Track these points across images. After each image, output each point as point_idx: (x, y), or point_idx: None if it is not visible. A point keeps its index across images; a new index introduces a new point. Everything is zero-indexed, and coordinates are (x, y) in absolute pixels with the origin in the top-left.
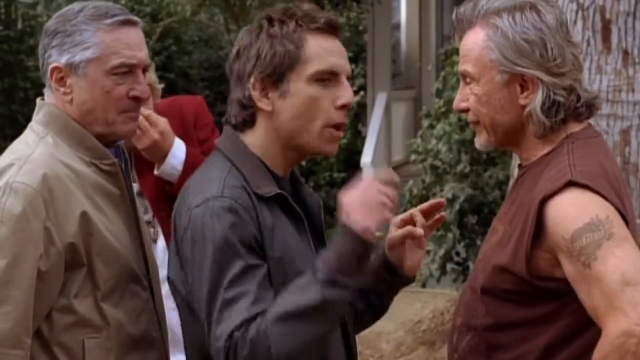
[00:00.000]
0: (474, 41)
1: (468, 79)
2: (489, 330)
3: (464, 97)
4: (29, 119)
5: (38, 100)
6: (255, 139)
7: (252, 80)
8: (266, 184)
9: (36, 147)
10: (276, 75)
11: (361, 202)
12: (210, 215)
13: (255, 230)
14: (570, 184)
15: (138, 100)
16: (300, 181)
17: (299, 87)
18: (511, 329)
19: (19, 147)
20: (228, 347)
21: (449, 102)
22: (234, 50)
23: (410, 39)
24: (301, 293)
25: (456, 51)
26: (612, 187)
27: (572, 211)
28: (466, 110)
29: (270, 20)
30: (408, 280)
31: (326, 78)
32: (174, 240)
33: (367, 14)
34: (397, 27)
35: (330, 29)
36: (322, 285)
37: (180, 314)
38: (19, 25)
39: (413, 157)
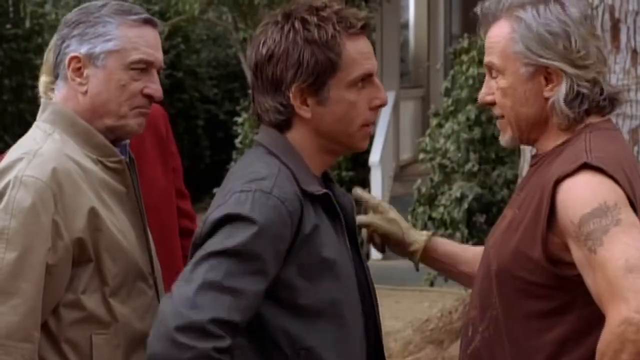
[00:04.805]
0: (499, 33)
1: (494, 73)
2: (502, 322)
3: (490, 90)
4: (36, 117)
5: (42, 100)
6: (292, 141)
7: (293, 89)
8: (312, 182)
9: (44, 143)
10: (317, 84)
11: None
12: (252, 204)
13: (289, 236)
14: (585, 166)
15: (151, 99)
16: (333, 180)
17: (339, 94)
18: (524, 321)
19: (26, 142)
20: None
21: (458, 101)
22: (264, 51)
23: (419, 38)
24: None
25: (465, 50)
26: (626, 175)
27: (581, 195)
28: (492, 104)
29: (305, 22)
30: None
31: (361, 80)
32: (200, 224)
33: (375, 13)
34: (405, 26)
35: (363, 29)
36: None
37: None
38: (27, 23)
39: (421, 155)
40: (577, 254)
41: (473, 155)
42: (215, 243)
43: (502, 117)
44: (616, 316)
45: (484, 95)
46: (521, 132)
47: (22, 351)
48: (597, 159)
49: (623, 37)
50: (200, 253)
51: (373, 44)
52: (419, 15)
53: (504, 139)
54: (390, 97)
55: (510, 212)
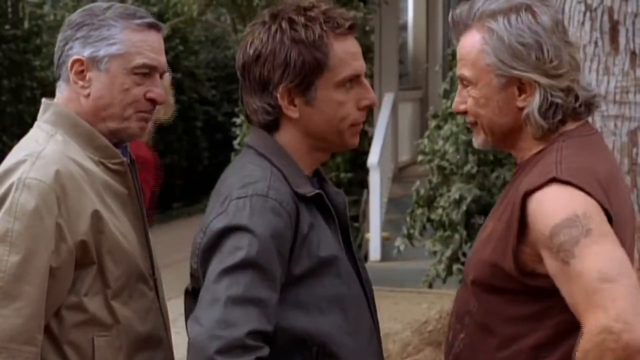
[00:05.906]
0: (470, 44)
1: (465, 82)
2: (479, 328)
3: (463, 99)
4: (35, 118)
5: (44, 100)
6: (281, 141)
7: (280, 89)
8: (304, 183)
9: (47, 145)
10: (304, 84)
11: None
12: (251, 210)
13: (290, 236)
14: (554, 180)
15: (154, 103)
16: (325, 178)
17: (326, 95)
18: (501, 327)
19: (28, 144)
20: None
21: None
22: (251, 51)
23: (418, 40)
24: None
25: None
26: (599, 183)
27: (551, 207)
28: (464, 113)
29: (292, 22)
30: None
31: (349, 81)
32: (199, 233)
33: (374, 15)
34: (404, 27)
35: (351, 29)
36: None
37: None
38: (26, 24)
39: (420, 157)
40: (552, 264)
41: (472, 157)
42: (225, 258)
43: (475, 124)
44: (594, 325)
45: (457, 104)
46: (494, 137)
47: (25, 354)
48: (566, 171)
49: (622, 39)
50: (213, 273)
51: (371, 45)
52: (418, 17)
53: (477, 141)
54: (389, 98)
55: (491, 222)
